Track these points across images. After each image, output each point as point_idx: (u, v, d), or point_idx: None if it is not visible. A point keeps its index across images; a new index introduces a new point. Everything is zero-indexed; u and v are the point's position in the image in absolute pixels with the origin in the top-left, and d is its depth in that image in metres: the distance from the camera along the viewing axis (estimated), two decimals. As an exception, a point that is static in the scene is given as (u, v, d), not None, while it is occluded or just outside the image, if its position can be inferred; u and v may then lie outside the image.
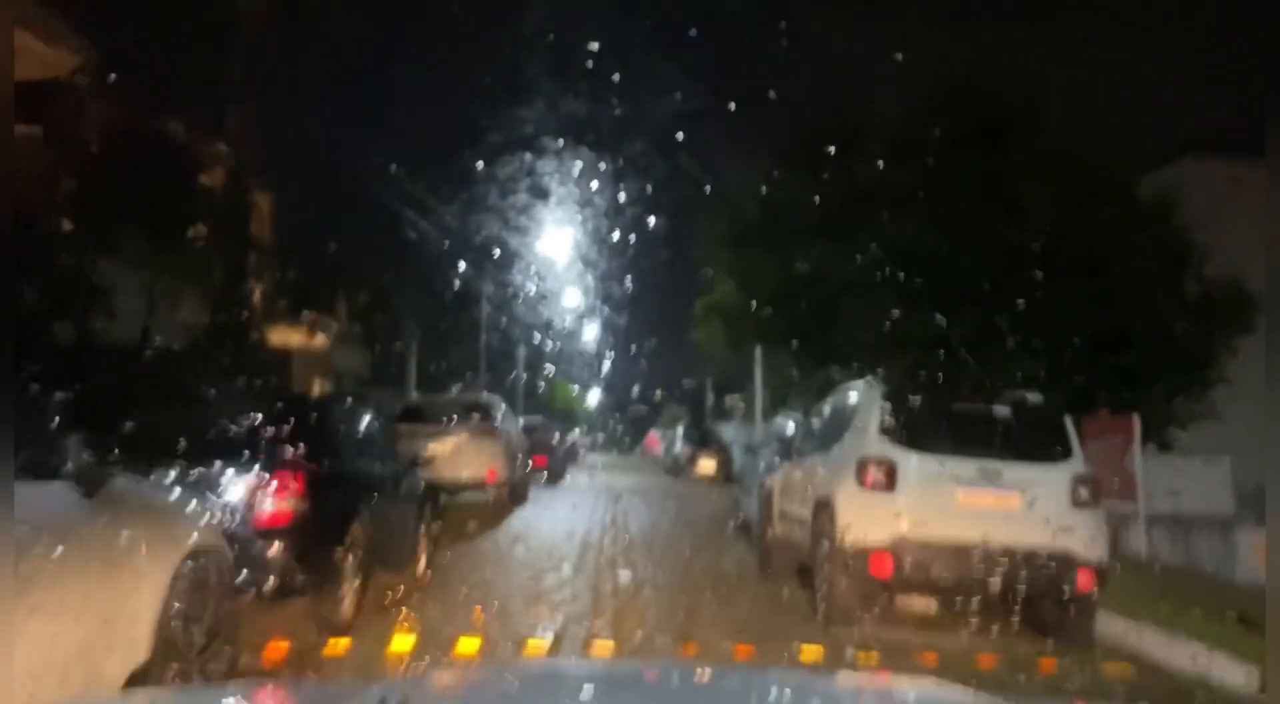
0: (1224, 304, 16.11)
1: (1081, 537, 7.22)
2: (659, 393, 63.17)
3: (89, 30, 17.63)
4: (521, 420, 25.25)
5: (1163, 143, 21.63)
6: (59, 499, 3.56)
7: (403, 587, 8.34)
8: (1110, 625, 7.57)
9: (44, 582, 3.20)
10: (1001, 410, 7.55)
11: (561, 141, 23.05)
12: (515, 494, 17.25)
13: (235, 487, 6.21)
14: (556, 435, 29.59)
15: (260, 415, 6.77)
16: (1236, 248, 14.07)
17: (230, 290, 19.59)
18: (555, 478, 25.46)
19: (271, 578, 6.11)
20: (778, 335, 19.45)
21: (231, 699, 2.40)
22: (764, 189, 19.02)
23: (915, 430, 7.48)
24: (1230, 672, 6.27)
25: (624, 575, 10.04)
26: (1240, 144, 19.55)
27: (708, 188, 21.34)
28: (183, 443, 6.37)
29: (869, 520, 7.28)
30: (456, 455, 15.67)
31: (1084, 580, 7.15)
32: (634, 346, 47.11)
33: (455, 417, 16.70)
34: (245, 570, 6.00)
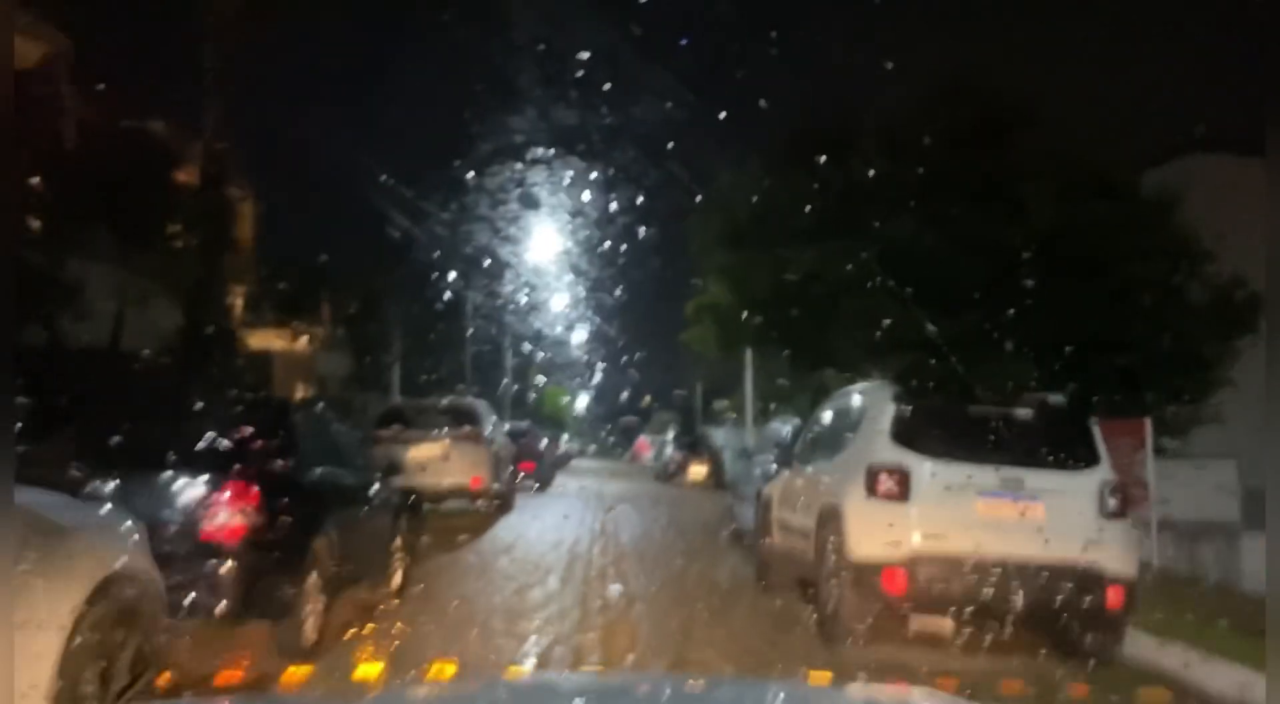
0: (1228, 304, 15.66)
1: (1111, 550, 6.66)
2: (649, 399, 62.54)
3: (60, 21, 17.07)
4: (508, 426, 24.76)
5: (1165, 139, 21.17)
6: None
7: (374, 606, 7.76)
8: (1136, 644, 6.99)
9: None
10: (1023, 413, 6.97)
11: (551, 146, 22.69)
12: (501, 502, 16.65)
13: (182, 498, 5.61)
14: (545, 441, 29.08)
15: (218, 420, 6.18)
16: (1240, 246, 13.58)
17: (206, 291, 18.95)
18: (543, 485, 24.93)
19: (223, 599, 5.51)
20: (771, 337, 18.95)
21: None
22: (758, 188, 18.56)
23: (929, 435, 6.89)
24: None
25: (614, 590, 9.46)
26: (1244, 140, 19.14)
27: (699, 190, 21.00)
28: (130, 450, 5.80)
29: (880, 533, 6.69)
30: (440, 462, 15.12)
31: (1114, 597, 6.58)
32: (624, 352, 46.63)
33: (439, 422, 16.09)
34: (193, 592, 5.43)
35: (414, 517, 9.25)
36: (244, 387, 15.69)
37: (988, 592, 6.51)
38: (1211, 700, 6.01)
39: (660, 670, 6.18)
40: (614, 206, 24.73)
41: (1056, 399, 7.31)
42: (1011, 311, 15.21)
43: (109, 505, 4.47)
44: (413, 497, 9.30)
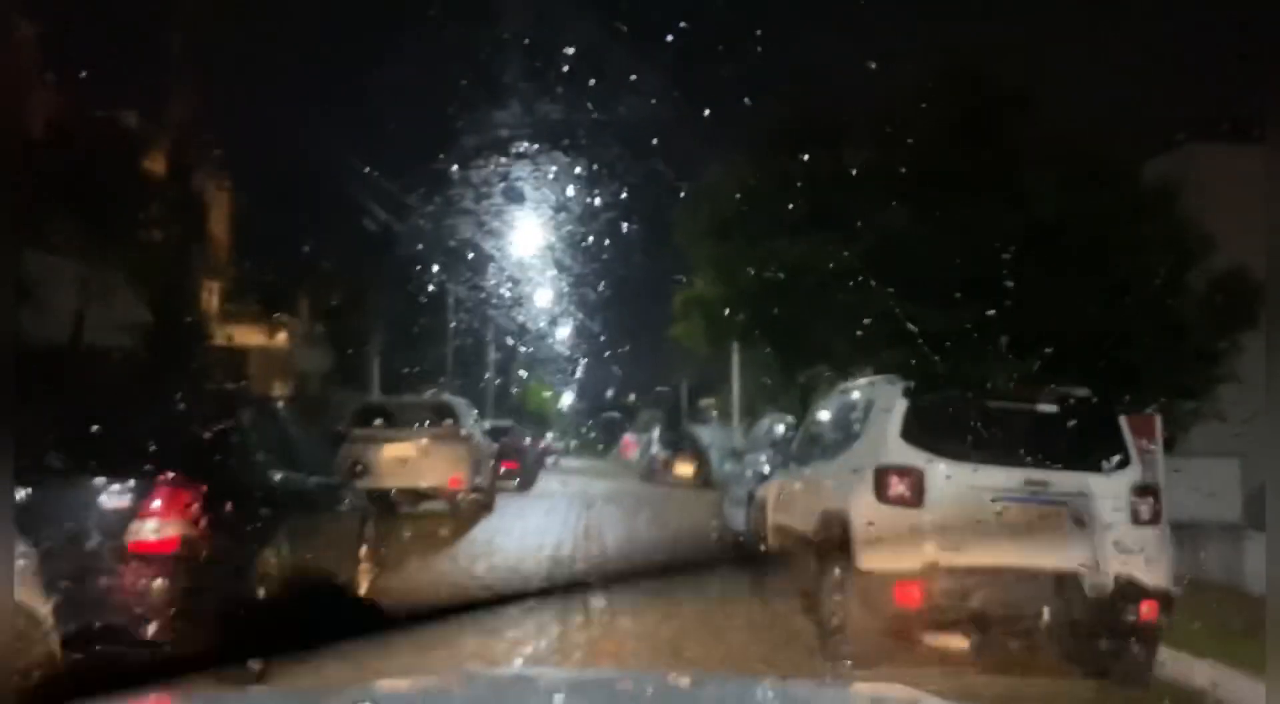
0: (1232, 297, 15.15)
1: (1144, 559, 6.05)
2: (634, 396, 61.87)
3: (22, 6, 16.33)
4: (490, 423, 24.11)
5: (1162, 129, 20.64)
6: None
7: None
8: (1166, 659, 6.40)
9: None
10: (1046, 409, 6.34)
11: (537, 140, 22.10)
12: (481, 503, 15.97)
13: (107, 506, 4.95)
14: (527, 439, 28.47)
15: (160, 418, 5.53)
16: (1243, 237, 13.03)
17: (173, 284, 18.26)
18: (526, 484, 24.27)
19: (153, 621, 4.86)
20: (761, 330, 18.37)
21: None
22: (747, 179, 18.01)
23: (944, 433, 6.26)
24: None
25: (598, 600, 8.81)
26: (1241, 129, 18.65)
27: (686, 183, 20.52)
28: (68, 454, 5.14)
29: (892, 541, 6.07)
30: (417, 461, 14.43)
31: (1148, 610, 5.98)
32: (608, 349, 46.01)
33: (416, 419, 15.40)
34: (118, 613, 4.79)
35: (385, 521, 8.61)
36: (213, 383, 15.04)
37: (1009, 606, 5.91)
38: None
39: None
40: (599, 201, 24.27)
41: (1081, 392, 6.69)
42: (1009, 305, 14.75)
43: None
44: (383, 500, 8.65)
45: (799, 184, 16.73)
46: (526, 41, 19.31)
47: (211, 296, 26.04)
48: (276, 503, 6.15)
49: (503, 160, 23.00)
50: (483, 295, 32.83)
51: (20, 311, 14.72)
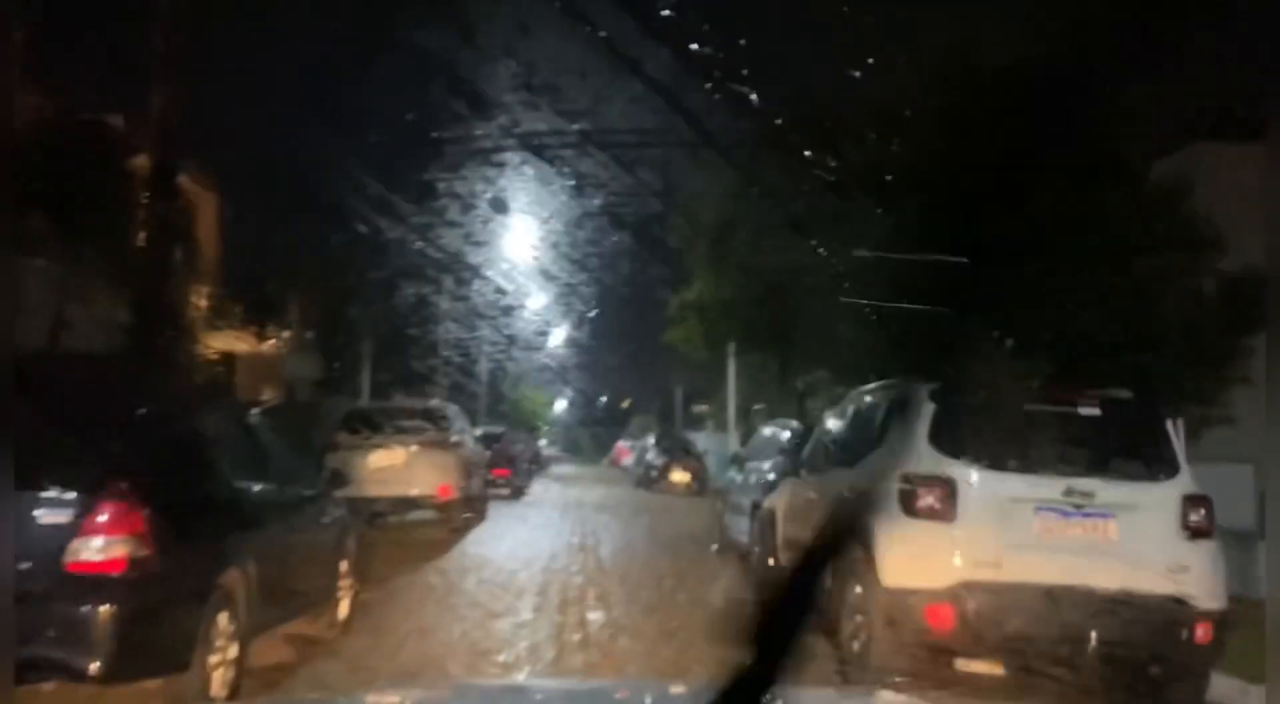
0: (1241, 297, 14.67)
1: (1197, 576, 5.51)
2: (628, 402, 61.29)
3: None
4: (482, 430, 23.54)
5: (1170, 128, 20.19)
6: None
7: (313, 643, 6.54)
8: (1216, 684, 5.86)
9: None
10: (1088, 411, 5.79)
11: (529, 146, 21.72)
12: (472, 512, 15.39)
13: (45, 522, 4.38)
14: (520, 446, 27.86)
15: (115, 426, 4.95)
16: (1252, 237, 12.52)
17: (155, 287, 17.66)
18: (518, 492, 23.71)
19: (95, 653, 4.29)
20: (762, 334, 17.85)
21: None
22: (746, 178, 17.53)
23: (978, 440, 5.70)
24: None
25: (594, 618, 8.27)
26: (1250, 128, 18.21)
27: (682, 185, 20.08)
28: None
29: (921, 559, 5.53)
30: (404, 469, 13.84)
31: (1203, 633, 5.43)
32: (602, 355, 45.54)
33: (404, 426, 14.81)
34: (55, 645, 4.22)
35: (369, 534, 8.04)
36: (189, 388, 14.44)
37: (1050, 629, 5.37)
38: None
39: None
40: (591, 207, 23.98)
41: (1124, 394, 6.15)
42: (1014, 307, 14.32)
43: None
44: (369, 509, 8.08)
45: (801, 183, 16.28)
46: (519, 45, 18.89)
47: (198, 301, 25.50)
48: (244, 517, 5.58)
49: (497, 165, 22.62)
50: (476, 301, 32.41)
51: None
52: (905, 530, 5.59)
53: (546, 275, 30.46)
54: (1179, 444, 5.92)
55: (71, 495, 4.39)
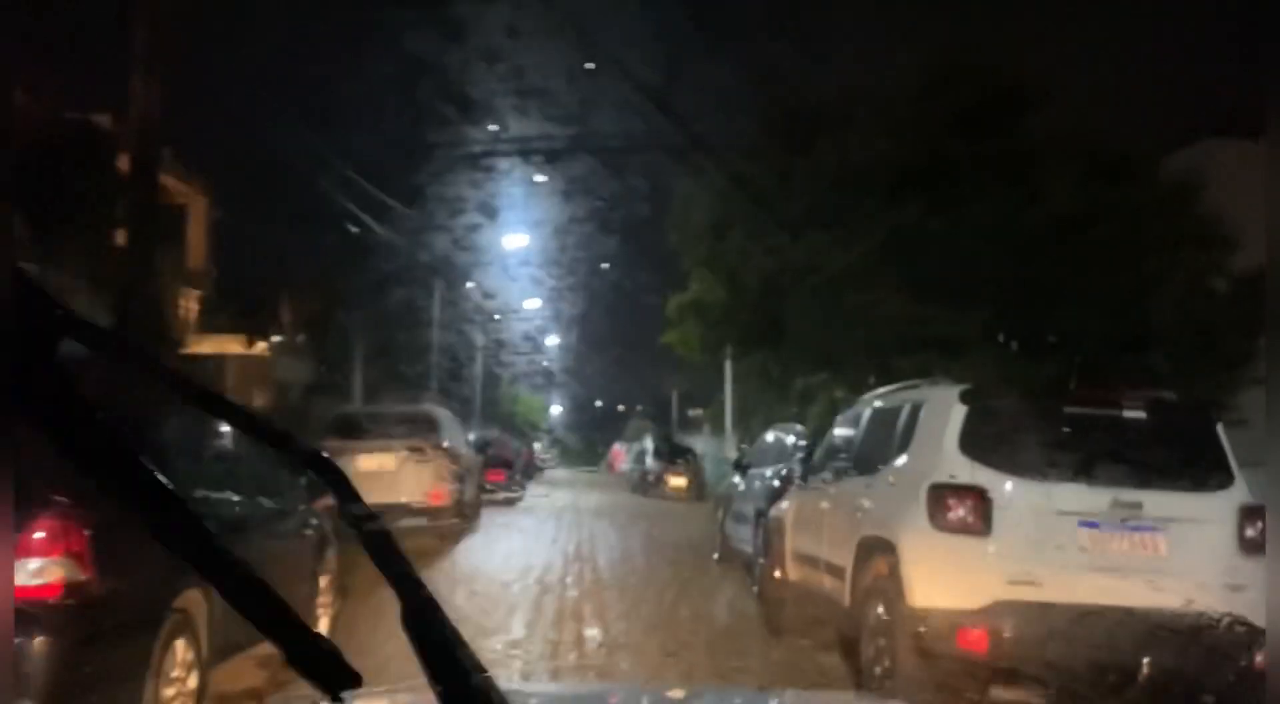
0: (1251, 296, 14.29)
1: (1255, 595, 5.00)
2: (623, 406, 60.93)
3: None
4: (476, 435, 23.12)
5: (1179, 125, 19.83)
6: None
7: (284, 668, 6.02)
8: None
9: None
10: (1133, 415, 5.29)
11: (527, 147, 21.41)
12: (464, 519, 14.91)
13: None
14: (514, 451, 27.45)
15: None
16: (1256, 235, 12.08)
17: (139, 288, 17.18)
18: (512, 498, 23.24)
19: (27, 692, 3.77)
20: (762, 335, 17.36)
21: None
22: (748, 173, 17.07)
23: (1012, 446, 5.20)
24: None
25: (592, 635, 7.77)
26: (1258, 124, 17.81)
27: (681, 180, 19.61)
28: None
29: (951, 577, 5.04)
30: (394, 475, 13.36)
31: (1263, 659, 4.92)
32: (598, 359, 45.21)
33: (395, 431, 14.32)
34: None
35: (349, 546, 7.50)
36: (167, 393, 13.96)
37: (1094, 654, 4.87)
38: None
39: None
40: (590, 205, 23.69)
41: (1169, 395, 5.65)
42: (1024, 305, 13.92)
43: None
44: (346, 522, 7.53)
45: (804, 178, 15.84)
46: (514, 47, 18.51)
47: (186, 303, 25.05)
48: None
49: (492, 168, 22.25)
50: (471, 304, 32.06)
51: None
52: (934, 545, 5.11)
53: (542, 279, 30.16)
54: (1231, 451, 5.40)
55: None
